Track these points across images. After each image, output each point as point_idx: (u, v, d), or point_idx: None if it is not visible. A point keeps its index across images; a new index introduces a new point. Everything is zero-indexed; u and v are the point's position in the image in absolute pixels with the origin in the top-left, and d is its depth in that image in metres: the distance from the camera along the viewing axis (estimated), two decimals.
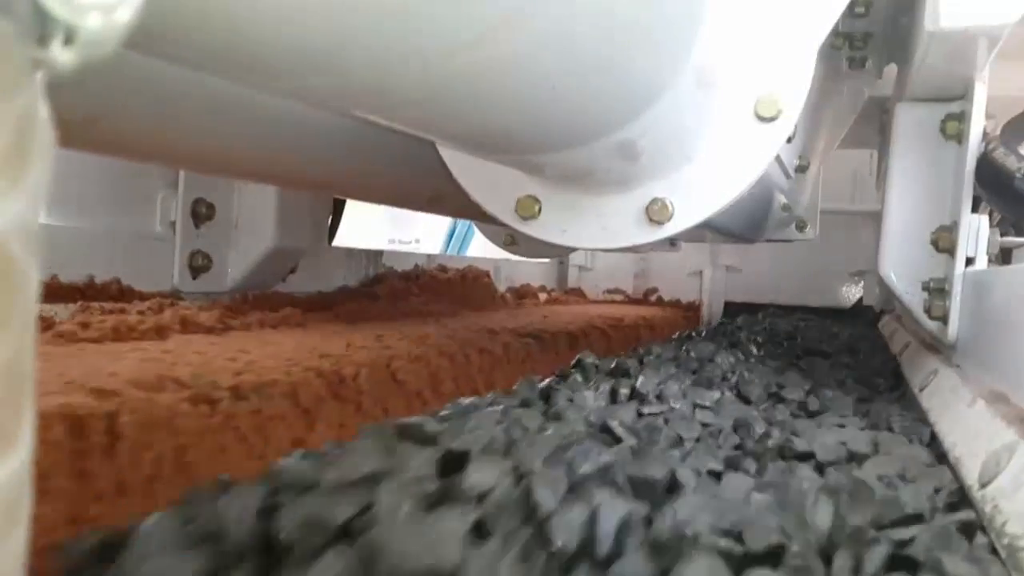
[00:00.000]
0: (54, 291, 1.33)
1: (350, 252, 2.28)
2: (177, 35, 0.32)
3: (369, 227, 5.28)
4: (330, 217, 2.23)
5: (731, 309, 3.20)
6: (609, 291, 3.53)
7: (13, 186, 0.15)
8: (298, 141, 0.98)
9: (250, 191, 1.73)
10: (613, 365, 1.10)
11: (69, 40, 0.17)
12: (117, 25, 0.17)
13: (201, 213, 1.70)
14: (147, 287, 1.54)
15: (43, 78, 0.17)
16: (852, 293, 3.19)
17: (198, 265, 1.69)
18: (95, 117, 0.70)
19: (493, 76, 0.44)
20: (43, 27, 0.16)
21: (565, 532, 0.44)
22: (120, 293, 1.46)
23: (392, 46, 0.36)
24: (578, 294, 3.48)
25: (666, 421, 0.84)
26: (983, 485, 0.61)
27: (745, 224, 1.58)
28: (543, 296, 3.09)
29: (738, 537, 0.47)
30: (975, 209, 1.14)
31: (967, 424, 0.76)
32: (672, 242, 2.30)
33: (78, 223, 1.48)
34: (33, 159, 0.16)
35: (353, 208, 2.43)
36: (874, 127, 1.85)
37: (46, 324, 1.05)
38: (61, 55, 0.17)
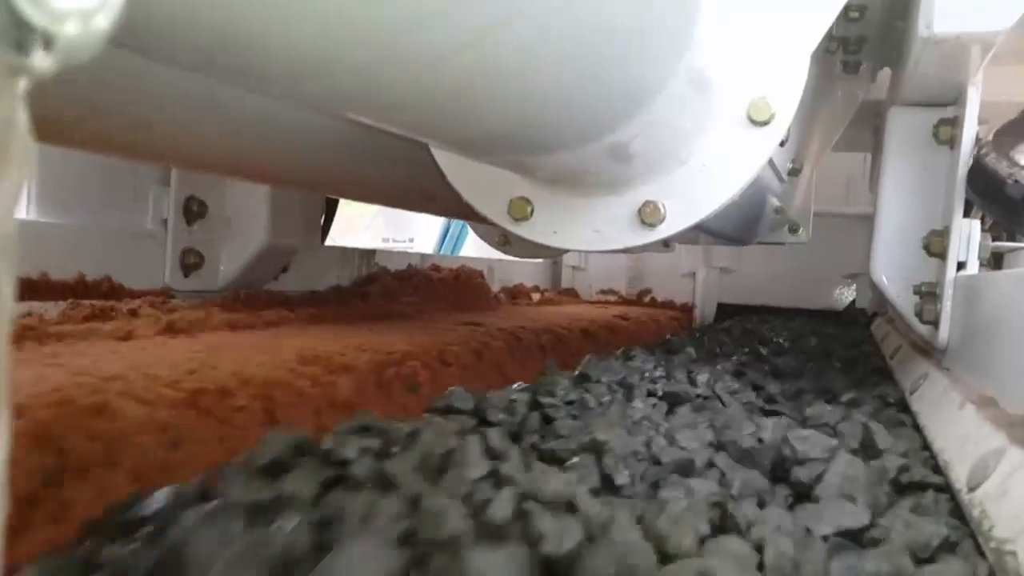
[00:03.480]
0: (44, 289, 1.33)
1: (343, 251, 2.27)
2: (166, 38, 0.32)
3: (363, 226, 5.29)
4: (323, 216, 2.23)
5: (725, 310, 3.21)
6: (603, 291, 3.53)
7: None
8: (290, 141, 0.97)
9: (242, 189, 1.73)
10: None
11: (47, 46, 0.16)
12: (96, 32, 0.17)
13: (193, 211, 1.69)
14: (138, 285, 1.54)
15: (22, 84, 0.17)
16: (845, 296, 3.19)
17: (190, 263, 1.69)
18: (85, 115, 0.70)
19: (482, 80, 0.44)
20: (21, 34, 0.16)
21: None
22: (111, 291, 1.46)
23: (383, 51, 0.36)
24: (572, 294, 3.48)
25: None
26: (971, 489, 0.61)
27: (738, 227, 1.58)
28: (536, 296, 3.09)
29: None
30: (967, 214, 1.14)
31: (956, 428, 0.77)
32: (665, 243, 2.30)
33: (69, 220, 1.47)
34: (10, 167, 0.16)
35: (347, 207, 2.42)
36: (868, 130, 1.85)
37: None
38: (40, 61, 0.17)
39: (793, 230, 2.01)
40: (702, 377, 1.07)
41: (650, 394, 0.99)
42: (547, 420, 0.82)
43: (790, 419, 0.87)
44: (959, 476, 0.66)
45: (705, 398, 0.99)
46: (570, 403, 0.89)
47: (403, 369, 1.12)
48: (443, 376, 1.19)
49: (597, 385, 1.01)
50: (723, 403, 0.98)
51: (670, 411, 0.93)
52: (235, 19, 0.31)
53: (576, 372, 1.11)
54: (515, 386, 0.98)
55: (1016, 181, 0.98)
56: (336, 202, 2.31)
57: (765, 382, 1.16)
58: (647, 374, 1.13)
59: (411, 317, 1.79)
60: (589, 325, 1.96)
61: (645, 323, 2.43)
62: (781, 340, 1.97)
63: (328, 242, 2.32)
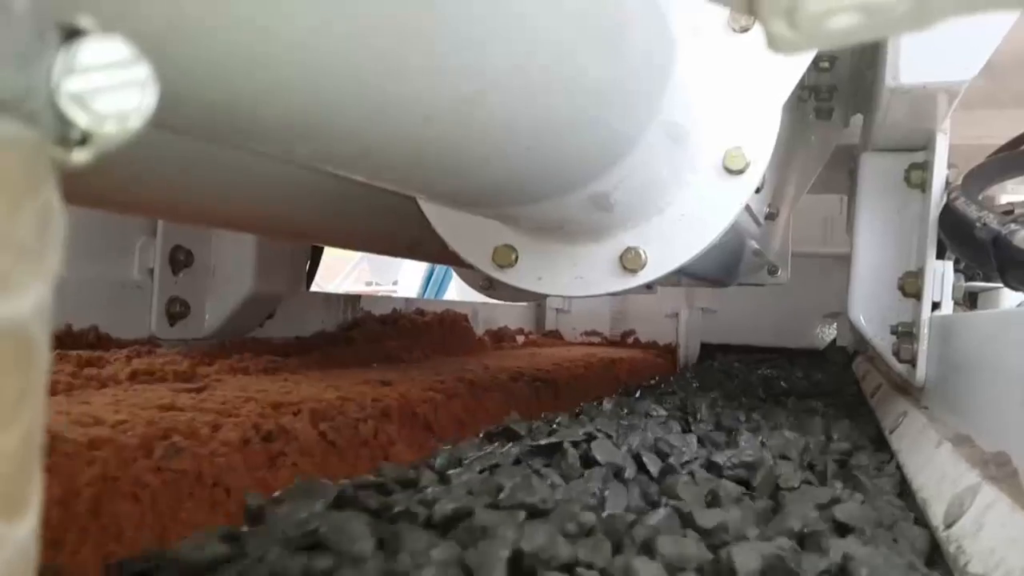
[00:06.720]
0: None
1: (328, 297, 2.29)
2: (165, 106, 0.34)
3: (347, 270, 5.30)
4: (308, 263, 2.24)
5: (708, 350, 3.23)
6: (586, 333, 3.54)
7: (36, 275, 0.17)
8: (276, 192, 0.99)
9: (228, 238, 1.74)
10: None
11: (84, 141, 0.18)
12: (129, 130, 0.19)
13: (179, 260, 1.70)
14: (124, 335, 1.54)
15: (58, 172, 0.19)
16: (826, 334, 3.23)
17: (175, 312, 1.69)
18: (78, 173, 0.72)
19: (469, 142, 0.46)
20: (64, 131, 0.18)
21: None
22: (97, 341, 1.46)
23: (373, 117, 0.38)
24: (556, 336, 3.49)
25: None
26: (948, 526, 0.63)
27: (718, 270, 1.61)
28: (521, 339, 3.11)
29: None
30: (940, 255, 1.17)
31: (933, 466, 0.78)
32: (648, 286, 2.32)
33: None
34: (51, 246, 0.18)
35: (332, 252, 2.44)
36: (843, 173, 1.89)
37: None
38: (77, 154, 0.18)
39: (772, 272, 2.04)
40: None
41: None
42: None
43: None
44: (936, 514, 0.67)
45: None
46: None
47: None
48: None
49: None
50: None
51: None
52: (237, 94, 0.33)
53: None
54: None
55: (984, 224, 1.01)
56: (321, 248, 2.32)
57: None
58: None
59: (400, 361, 1.80)
60: (572, 368, 1.97)
61: (627, 365, 2.45)
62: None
63: (313, 287, 2.34)
